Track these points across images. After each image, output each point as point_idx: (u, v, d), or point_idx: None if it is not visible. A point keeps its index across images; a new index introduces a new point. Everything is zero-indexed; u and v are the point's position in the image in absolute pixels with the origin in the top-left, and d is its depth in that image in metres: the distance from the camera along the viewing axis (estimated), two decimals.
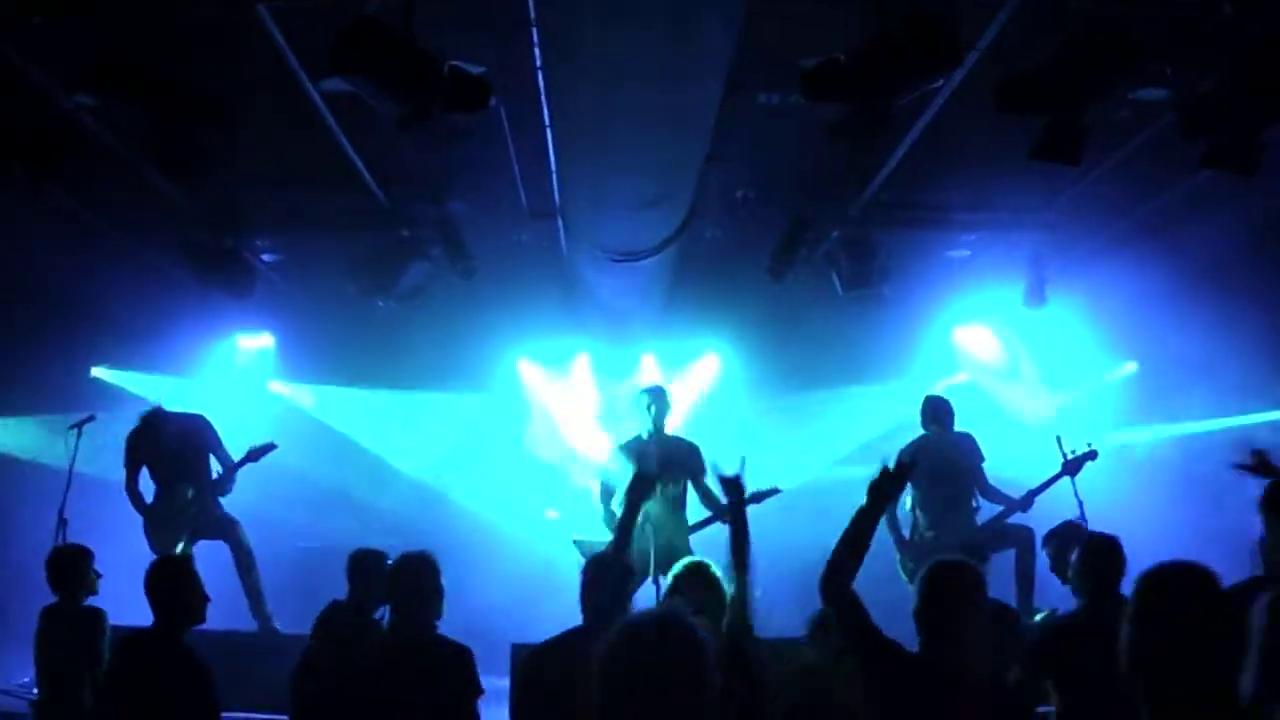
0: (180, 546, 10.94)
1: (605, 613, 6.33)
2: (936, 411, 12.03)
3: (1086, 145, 8.51)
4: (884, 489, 5.45)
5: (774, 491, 10.56)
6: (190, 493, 11.18)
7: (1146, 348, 14.38)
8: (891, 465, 5.54)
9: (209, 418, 11.63)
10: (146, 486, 11.29)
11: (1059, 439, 11.08)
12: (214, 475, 11.40)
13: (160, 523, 11.04)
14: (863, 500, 5.40)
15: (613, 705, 3.59)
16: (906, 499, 11.65)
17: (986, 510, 11.47)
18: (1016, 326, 14.69)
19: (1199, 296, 12.32)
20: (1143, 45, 7.68)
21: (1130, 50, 7.64)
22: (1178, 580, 4.39)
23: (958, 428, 11.93)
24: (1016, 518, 11.22)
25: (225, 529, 11.25)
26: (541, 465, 15.92)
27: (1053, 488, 11.10)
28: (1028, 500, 11.30)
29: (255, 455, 11.29)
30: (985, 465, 11.76)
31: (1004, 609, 8.08)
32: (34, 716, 8.40)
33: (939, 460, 11.55)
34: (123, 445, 11.36)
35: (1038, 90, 8.00)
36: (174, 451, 11.23)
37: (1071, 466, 11.06)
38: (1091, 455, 11.06)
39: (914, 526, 11.67)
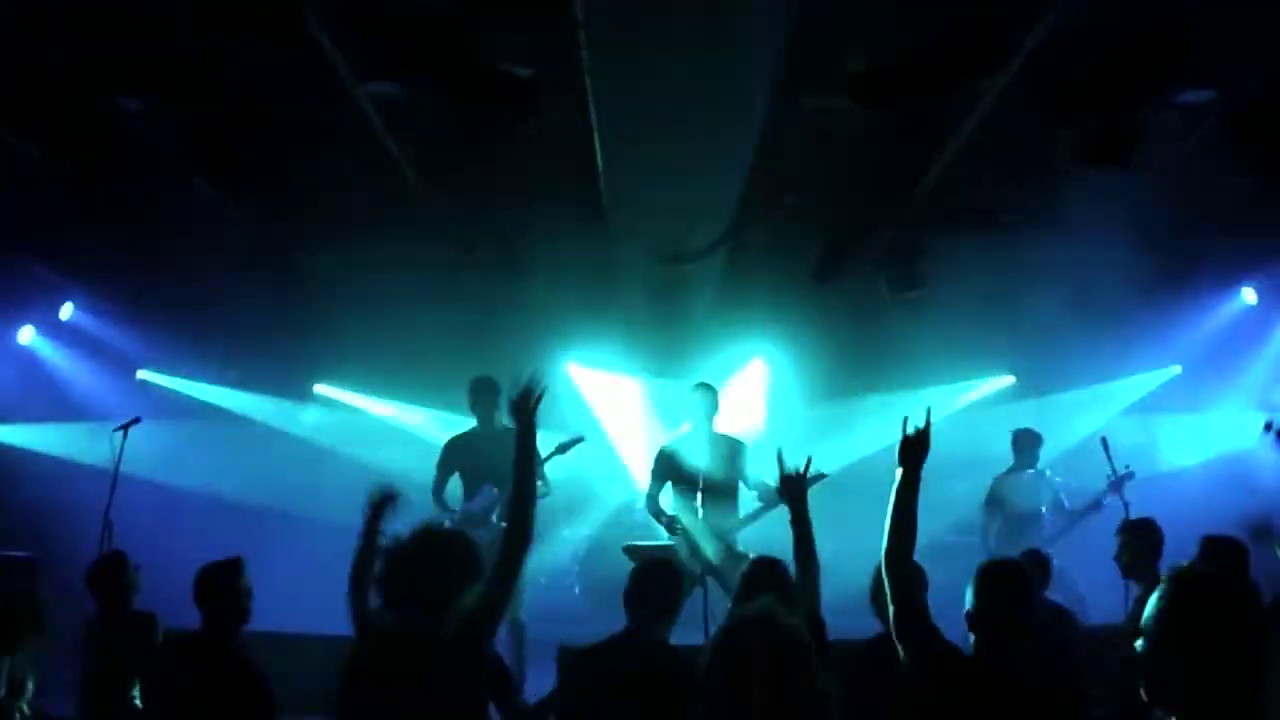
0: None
1: (653, 617, 6.35)
2: (1018, 446, 12.11)
3: (1136, 148, 8.47)
4: (910, 455, 5.30)
5: (821, 476, 10.58)
6: (495, 492, 11.77)
7: (1189, 351, 14.43)
8: (916, 425, 5.36)
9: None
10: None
11: (1104, 440, 11.06)
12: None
13: (467, 522, 11.78)
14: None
15: (719, 710, 3.60)
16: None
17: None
18: (1062, 330, 14.61)
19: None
20: (1190, 43, 7.63)
21: (1178, 49, 7.60)
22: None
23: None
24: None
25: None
26: (590, 466, 15.93)
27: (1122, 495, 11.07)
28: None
29: (564, 448, 11.89)
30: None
31: (1061, 611, 8.03)
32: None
33: (1014, 514, 11.64)
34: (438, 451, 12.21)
35: (1085, 92, 7.97)
36: (483, 464, 11.91)
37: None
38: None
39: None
